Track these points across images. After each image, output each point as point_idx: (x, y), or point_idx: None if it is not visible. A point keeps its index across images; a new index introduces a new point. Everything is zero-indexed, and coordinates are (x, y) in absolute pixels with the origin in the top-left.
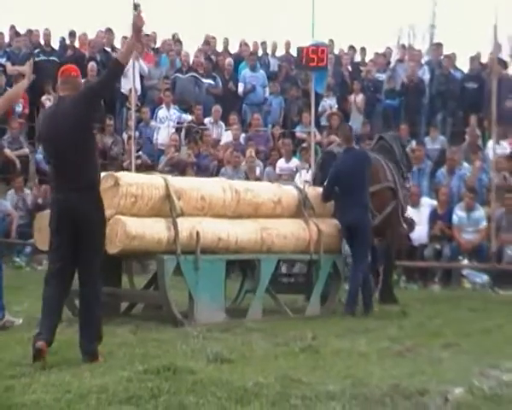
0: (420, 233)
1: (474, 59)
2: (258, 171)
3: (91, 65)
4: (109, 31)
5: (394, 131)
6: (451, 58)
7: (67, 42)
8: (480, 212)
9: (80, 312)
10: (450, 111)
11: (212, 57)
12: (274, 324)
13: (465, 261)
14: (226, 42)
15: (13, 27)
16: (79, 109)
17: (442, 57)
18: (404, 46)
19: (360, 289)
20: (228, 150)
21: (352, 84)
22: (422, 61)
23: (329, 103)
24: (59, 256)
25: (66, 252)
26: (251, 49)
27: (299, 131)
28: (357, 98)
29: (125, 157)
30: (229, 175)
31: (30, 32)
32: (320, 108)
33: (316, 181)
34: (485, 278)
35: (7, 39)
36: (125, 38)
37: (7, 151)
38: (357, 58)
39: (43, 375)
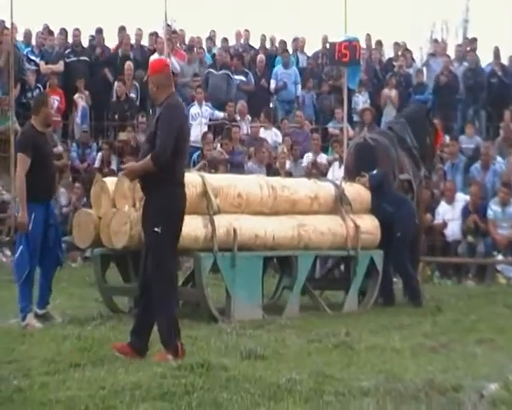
0: (454, 229)
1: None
2: (288, 165)
3: (128, 64)
4: (138, 29)
5: (403, 119)
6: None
7: (96, 40)
8: None
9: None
10: (481, 105)
11: (244, 53)
12: (308, 320)
13: (500, 257)
14: (264, 39)
15: (46, 26)
16: None
17: (470, 51)
18: (436, 41)
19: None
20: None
21: (385, 78)
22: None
23: (362, 99)
24: (176, 245)
25: None
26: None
27: (331, 127)
28: (392, 93)
29: None
30: (254, 170)
31: (64, 30)
32: (352, 104)
33: (350, 173)
34: None
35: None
36: (152, 34)
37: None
38: (390, 53)
39: (78, 372)
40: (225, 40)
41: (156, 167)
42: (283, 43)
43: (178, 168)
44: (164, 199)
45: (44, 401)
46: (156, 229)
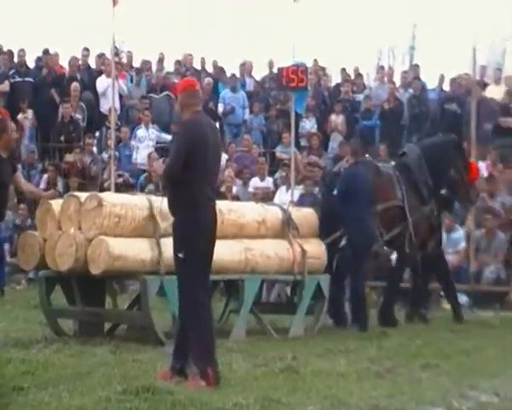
0: None
1: (451, 80)
2: (234, 190)
3: (74, 85)
4: (85, 49)
5: (419, 149)
6: (420, 80)
7: (43, 61)
8: (460, 233)
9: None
10: (425, 132)
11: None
12: (255, 344)
13: None
14: (203, 61)
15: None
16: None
17: (415, 78)
18: (383, 67)
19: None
20: None
21: (332, 104)
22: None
23: (309, 124)
24: (207, 269)
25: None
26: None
27: (279, 151)
28: (338, 119)
29: (106, 177)
30: None
31: (10, 51)
32: (300, 129)
33: (325, 204)
34: (464, 299)
35: None
36: (100, 55)
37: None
38: (338, 79)
39: (21, 395)
40: (178, 62)
41: (166, 182)
42: (220, 68)
43: (198, 190)
44: (184, 222)
45: None
46: (180, 255)
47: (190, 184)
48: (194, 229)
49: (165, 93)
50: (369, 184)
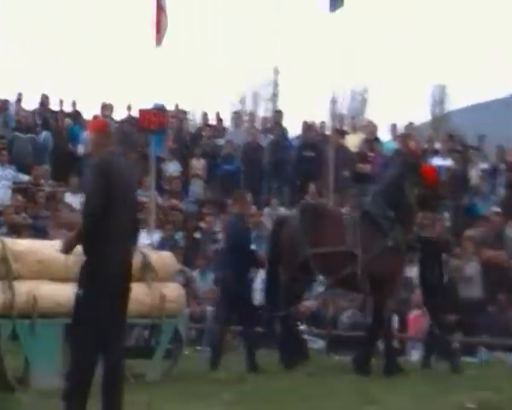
0: (257, 297)
1: (310, 127)
2: None
3: None
4: None
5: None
6: (281, 126)
7: None
8: (318, 279)
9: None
10: (284, 179)
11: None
12: None
13: (303, 327)
14: (61, 103)
15: None
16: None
17: (275, 124)
18: (236, 112)
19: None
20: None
21: (193, 148)
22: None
23: (172, 167)
24: (112, 311)
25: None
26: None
27: (139, 195)
28: (199, 163)
29: None
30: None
31: None
32: (164, 172)
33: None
34: (321, 343)
35: None
36: None
37: None
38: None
39: None
40: (46, 97)
41: (87, 226)
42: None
43: (109, 228)
44: (89, 260)
45: None
46: (78, 292)
47: (101, 223)
48: (98, 267)
49: (30, 135)
50: (239, 235)
